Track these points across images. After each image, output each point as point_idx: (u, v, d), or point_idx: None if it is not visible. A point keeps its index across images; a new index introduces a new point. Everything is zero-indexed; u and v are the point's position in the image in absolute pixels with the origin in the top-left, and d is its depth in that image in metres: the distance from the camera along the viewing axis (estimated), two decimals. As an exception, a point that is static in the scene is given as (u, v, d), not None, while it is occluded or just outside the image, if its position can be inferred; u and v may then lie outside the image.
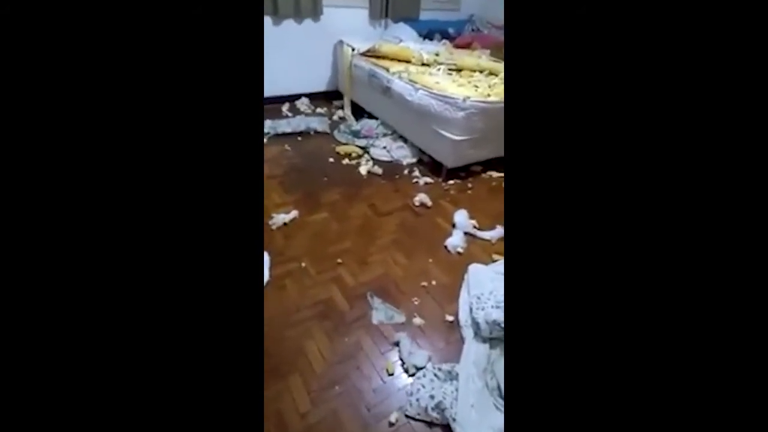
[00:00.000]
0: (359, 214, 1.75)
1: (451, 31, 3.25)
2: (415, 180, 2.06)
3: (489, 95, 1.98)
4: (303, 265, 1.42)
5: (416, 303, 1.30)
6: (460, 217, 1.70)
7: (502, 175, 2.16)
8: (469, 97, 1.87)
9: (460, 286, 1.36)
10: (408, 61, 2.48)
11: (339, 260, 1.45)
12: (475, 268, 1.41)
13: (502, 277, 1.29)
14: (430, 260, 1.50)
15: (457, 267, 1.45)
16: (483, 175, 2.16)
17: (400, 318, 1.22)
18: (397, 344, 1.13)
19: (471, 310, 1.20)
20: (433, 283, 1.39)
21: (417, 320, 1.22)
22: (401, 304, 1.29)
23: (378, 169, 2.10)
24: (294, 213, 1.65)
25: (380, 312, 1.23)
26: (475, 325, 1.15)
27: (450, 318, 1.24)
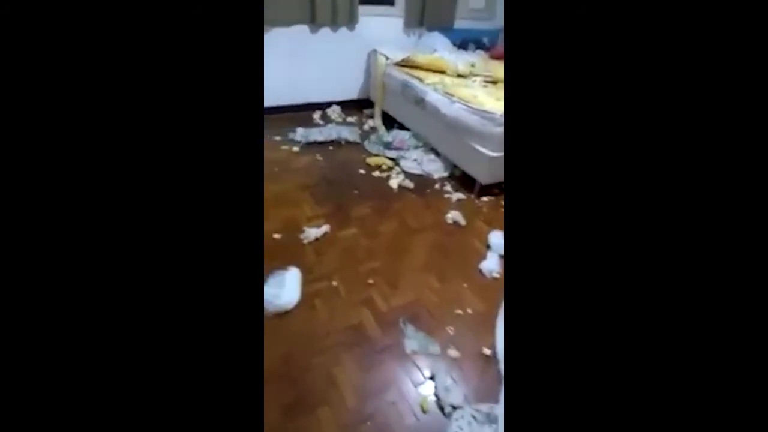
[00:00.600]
0: (390, 230, 1.70)
1: (485, 40, 3.17)
2: (447, 195, 1.99)
3: (529, 110, 1.90)
4: (334, 284, 1.38)
5: (451, 333, 1.23)
6: (496, 238, 1.62)
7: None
8: (508, 113, 1.79)
9: (497, 315, 1.28)
10: (443, 72, 2.42)
11: (370, 281, 1.40)
12: (512, 297, 1.33)
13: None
14: (465, 285, 1.43)
15: (493, 293, 1.38)
16: (518, 192, 2.07)
17: (434, 349, 1.16)
18: (432, 378, 1.07)
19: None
20: (469, 311, 1.32)
21: (452, 352, 1.16)
22: (435, 332, 1.22)
23: (409, 183, 2.05)
24: (325, 228, 1.62)
25: (413, 341, 1.18)
26: (517, 363, 1.07)
27: (487, 351, 1.17)
